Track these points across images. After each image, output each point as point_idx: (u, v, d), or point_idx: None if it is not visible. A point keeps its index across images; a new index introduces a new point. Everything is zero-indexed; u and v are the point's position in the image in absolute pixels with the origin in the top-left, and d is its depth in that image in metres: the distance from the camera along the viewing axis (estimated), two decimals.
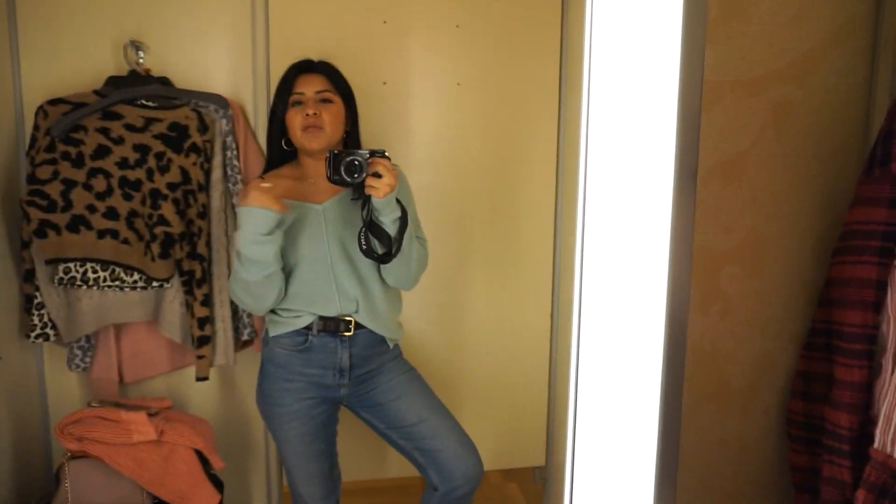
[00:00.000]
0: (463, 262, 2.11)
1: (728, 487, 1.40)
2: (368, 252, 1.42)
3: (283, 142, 1.54)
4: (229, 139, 1.82)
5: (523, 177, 2.10)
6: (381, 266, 1.49)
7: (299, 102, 1.49)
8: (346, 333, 1.51)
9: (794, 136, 1.59)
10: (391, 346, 1.59)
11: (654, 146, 0.74)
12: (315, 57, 1.55)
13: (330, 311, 1.49)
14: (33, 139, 1.69)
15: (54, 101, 1.69)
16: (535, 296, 2.17)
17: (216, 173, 1.79)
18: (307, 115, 1.46)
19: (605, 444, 0.83)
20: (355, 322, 1.51)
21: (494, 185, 2.09)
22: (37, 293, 1.69)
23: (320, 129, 1.47)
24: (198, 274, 1.75)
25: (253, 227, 1.36)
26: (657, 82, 0.74)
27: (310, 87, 1.49)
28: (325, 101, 1.49)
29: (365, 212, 1.40)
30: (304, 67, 1.51)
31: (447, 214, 2.07)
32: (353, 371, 1.54)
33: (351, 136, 1.58)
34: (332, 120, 1.48)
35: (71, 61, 1.80)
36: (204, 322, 1.76)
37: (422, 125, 2.02)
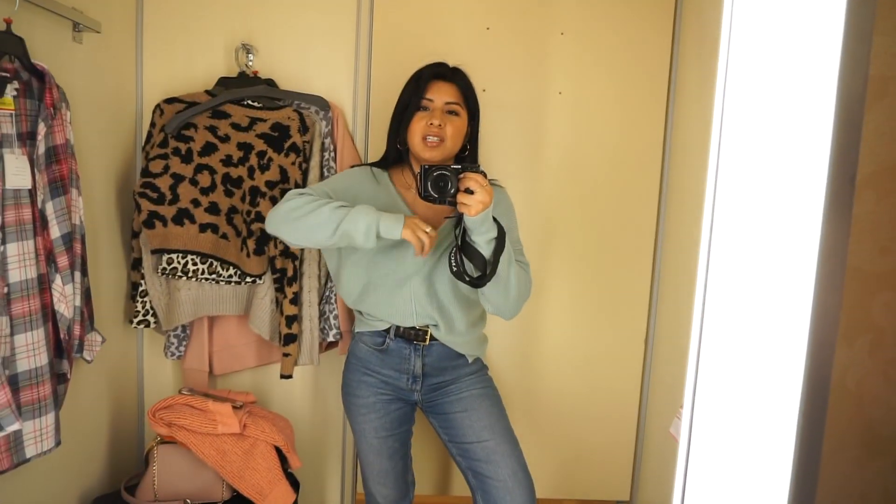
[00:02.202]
0: (554, 276, 2.02)
1: None
2: (459, 274, 1.32)
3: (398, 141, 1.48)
4: (328, 140, 1.84)
5: (624, 190, 1.99)
6: (479, 292, 1.40)
7: (426, 108, 1.44)
8: (421, 343, 1.48)
9: None
10: (470, 359, 1.53)
11: (803, 149, 0.64)
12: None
13: (407, 324, 1.47)
14: (149, 135, 1.78)
15: (170, 100, 1.77)
16: (629, 317, 2.04)
17: (313, 173, 1.81)
18: (432, 124, 1.41)
19: (722, 491, 0.73)
20: (431, 335, 1.47)
21: (592, 198, 1.99)
22: (142, 281, 1.76)
23: (441, 140, 1.41)
24: (289, 272, 1.77)
25: (382, 219, 1.28)
26: (811, 77, 0.64)
27: (441, 95, 1.43)
28: (452, 112, 1.44)
29: (458, 230, 1.32)
30: (439, 73, 1.45)
31: (541, 225, 1.99)
32: (427, 379, 1.51)
33: (469, 153, 1.51)
34: (454, 133, 1.42)
35: (186, 62, 1.89)
36: (292, 320, 1.78)
37: (521, 134, 1.96)
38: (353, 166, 1.59)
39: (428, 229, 1.29)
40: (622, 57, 1.94)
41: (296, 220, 1.33)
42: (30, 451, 1.32)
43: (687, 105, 1.88)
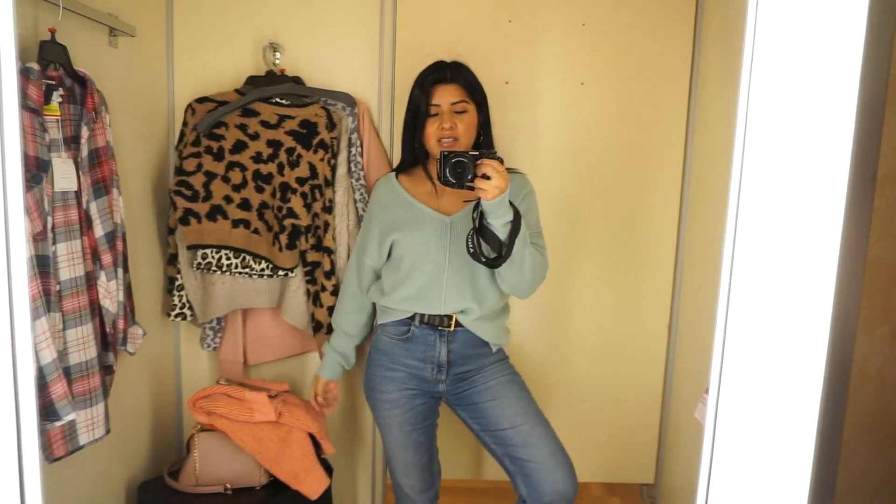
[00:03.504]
0: (578, 265, 2.05)
1: None
2: (476, 255, 1.40)
3: (415, 144, 1.56)
4: (354, 136, 1.88)
5: (646, 180, 2.01)
6: (496, 272, 1.47)
7: (435, 114, 1.51)
8: (447, 329, 1.52)
9: None
10: (494, 349, 1.57)
11: (825, 145, 0.67)
12: (446, 57, 1.56)
13: (433, 311, 1.52)
14: (182, 134, 1.83)
15: (201, 100, 1.83)
16: (652, 305, 2.06)
17: (341, 169, 1.86)
18: (443, 128, 1.49)
19: (746, 474, 0.76)
20: (456, 320, 1.52)
21: (615, 188, 2.01)
22: (178, 276, 1.83)
23: (456, 139, 1.49)
24: (326, 266, 1.82)
25: (326, 350, 1.74)
26: (833, 75, 0.66)
27: (445, 98, 1.50)
28: (460, 111, 1.51)
29: (475, 214, 1.39)
30: (439, 77, 1.52)
31: (565, 216, 2.02)
32: (452, 368, 1.55)
33: (483, 140, 1.57)
34: (466, 129, 1.50)
35: (216, 62, 1.94)
36: (332, 312, 1.82)
37: (544, 125, 1.99)
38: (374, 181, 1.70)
39: (319, 399, 1.74)
40: (644, 47, 1.94)
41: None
42: (83, 439, 1.39)
43: (709, 96, 1.88)
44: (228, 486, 1.73)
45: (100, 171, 1.45)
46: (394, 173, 1.63)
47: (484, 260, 1.40)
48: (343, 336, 1.72)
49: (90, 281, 1.43)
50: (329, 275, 1.82)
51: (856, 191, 0.65)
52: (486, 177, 1.31)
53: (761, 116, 0.70)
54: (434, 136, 1.50)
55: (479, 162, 1.33)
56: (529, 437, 1.48)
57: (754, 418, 0.74)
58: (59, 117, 1.33)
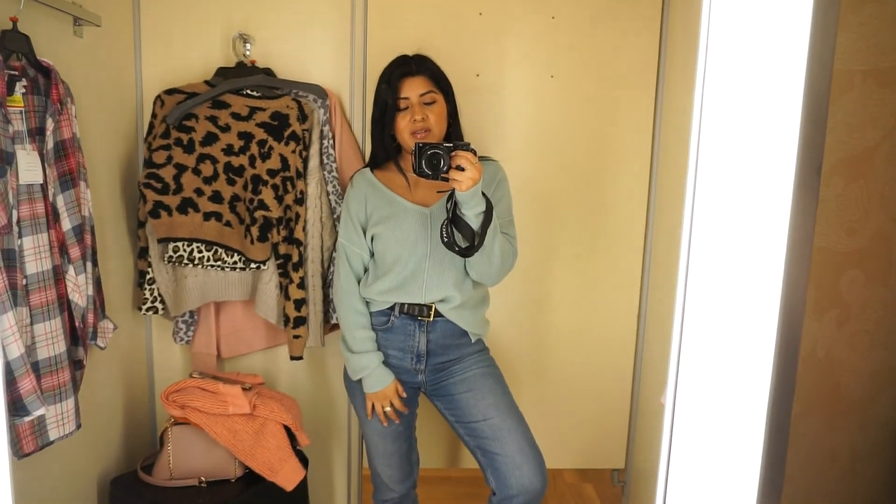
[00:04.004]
0: (551, 255, 2.08)
1: (835, 503, 1.29)
2: (450, 244, 1.42)
3: (385, 139, 1.56)
4: (326, 128, 1.88)
5: (616, 171, 2.04)
6: (466, 261, 1.50)
7: (404, 108, 1.51)
8: (426, 319, 1.54)
9: None
10: (473, 339, 1.59)
11: (773, 139, 0.70)
12: (409, 51, 1.57)
13: (414, 301, 1.53)
14: (151, 126, 1.81)
15: (170, 91, 1.81)
16: (622, 294, 2.11)
17: (313, 161, 1.86)
18: (415, 120, 1.49)
19: (702, 453, 0.80)
20: (436, 310, 1.54)
21: (586, 179, 2.04)
22: (149, 269, 1.82)
23: (428, 131, 1.50)
24: (294, 258, 1.83)
25: (364, 377, 1.58)
26: (780, 71, 0.69)
27: (413, 90, 1.51)
28: (429, 102, 1.52)
29: (449, 204, 1.41)
30: (405, 71, 1.52)
31: (537, 206, 2.05)
32: (431, 358, 1.57)
33: (453, 129, 1.59)
34: (437, 119, 1.51)
35: (185, 53, 1.92)
36: (300, 304, 1.83)
37: (514, 117, 2.01)
38: (351, 176, 1.67)
39: (388, 409, 1.57)
40: (612, 40, 1.97)
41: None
42: (53, 434, 1.38)
43: (675, 87, 1.92)
44: (203, 478, 1.73)
45: (66, 163, 1.43)
46: (368, 168, 1.63)
47: (457, 249, 1.43)
48: (365, 336, 1.58)
49: (58, 275, 1.41)
50: (297, 266, 1.83)
51: (802, 182, 0.68)
52: (460, 168, 1.34)
53: (714, 111, 0.72)
54: (407, 129, 1.51)
55: (453, 154, 1.35)
56: (499, 431, 1.50)
57: (709, 400, 0.77)
58: (22, 109, 1.31)
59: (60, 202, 1.41)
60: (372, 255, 1.57)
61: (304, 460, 1.85)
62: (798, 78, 0.67)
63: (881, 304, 1.13)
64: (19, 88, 1.29)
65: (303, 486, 1.84)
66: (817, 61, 0.66)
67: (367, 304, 1.59)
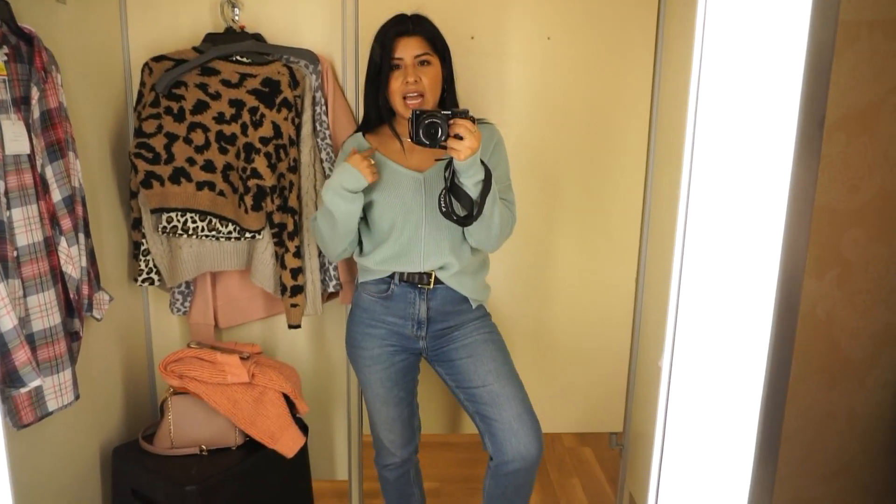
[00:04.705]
0: (550, 220, 2.07)
1: (833, 463, 1.30)
2: (448, 214, 1.40)
3: (379, 101, 1.52)
4: (318, 94, 1.85)
5: (615, 132, 2.01)
6: (464, 229, 1.48)
7: (398, 67, 1.47)
8: (426, 286, 1.53)
9: None
10: (474, 305, 1.59)
11: (775, 93, 0.68)
12: (407, 11, 1.52)
13: (413, 269, 1.52)
14: (140, 95, 1.78)
15: (158, 58, 1.77)
16: (621, 258, 2.10)
17: (306, 128, 1.83)
18: (408, 82, 1.45)
19: (700, 414, 0.79)
20: (436, 277, 1.53)
21: (583, 141, 2.02)
22: (143, 240, 1.80)
23: (421, 95, 1.46)
24: (290, 226, 1.81)
25: (341, 180, 1.43)
26: (783, 23, 0.67)
27: (408, 51, 1.46)
28: (424, 63, 1.47)
29: (447, 173, 1.39)
30: (401, 30, 1.47)
31: (535, 171, 2.02)
32: (432, 325, 1.56)
33: (448, 95, 1.55)
34: (431, 83, 1.47)
35: (172, 19, 1.87)
36: (297, 272, 1.82)
37: (510, 80, 1.97)
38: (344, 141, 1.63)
39: (365, 156, 1.45)
40: (610, 1, 1.92)
41: (326, 243, 1.57)
42: (51, 406, 1.38)
43: (675, 47, 1.88)
44: (204, 447, 1.75)
45: (53, 133, 1.40)
46: (360, 132, 1.60)
47: (455, 218, 1.41)
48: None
49: (49, 246, 1.40)
50: (292, 235, 1.81)
51: (804, 137, 0.66)
52: (458, 137, 1.31)
53: (714, 64, 0.70)
54: (399, 91, 1.47)
55: (451, 122, 1.31)
56: (497, 398, 1.50)
57: (707, 363, 0.77)
58: (5, 77, 1.28)
59: (49, 173, 1.39)
60: (364, 220, 1.55)
61: (303, 428, 1.86)
62: (802, 29, 0.64)
63: (883, 263, 1.11)
64: (1, 56, 1.26)
65: (303, 453, 1.86)
66: (822, 11, 0.64)
67: (366, 272, 1.58)
